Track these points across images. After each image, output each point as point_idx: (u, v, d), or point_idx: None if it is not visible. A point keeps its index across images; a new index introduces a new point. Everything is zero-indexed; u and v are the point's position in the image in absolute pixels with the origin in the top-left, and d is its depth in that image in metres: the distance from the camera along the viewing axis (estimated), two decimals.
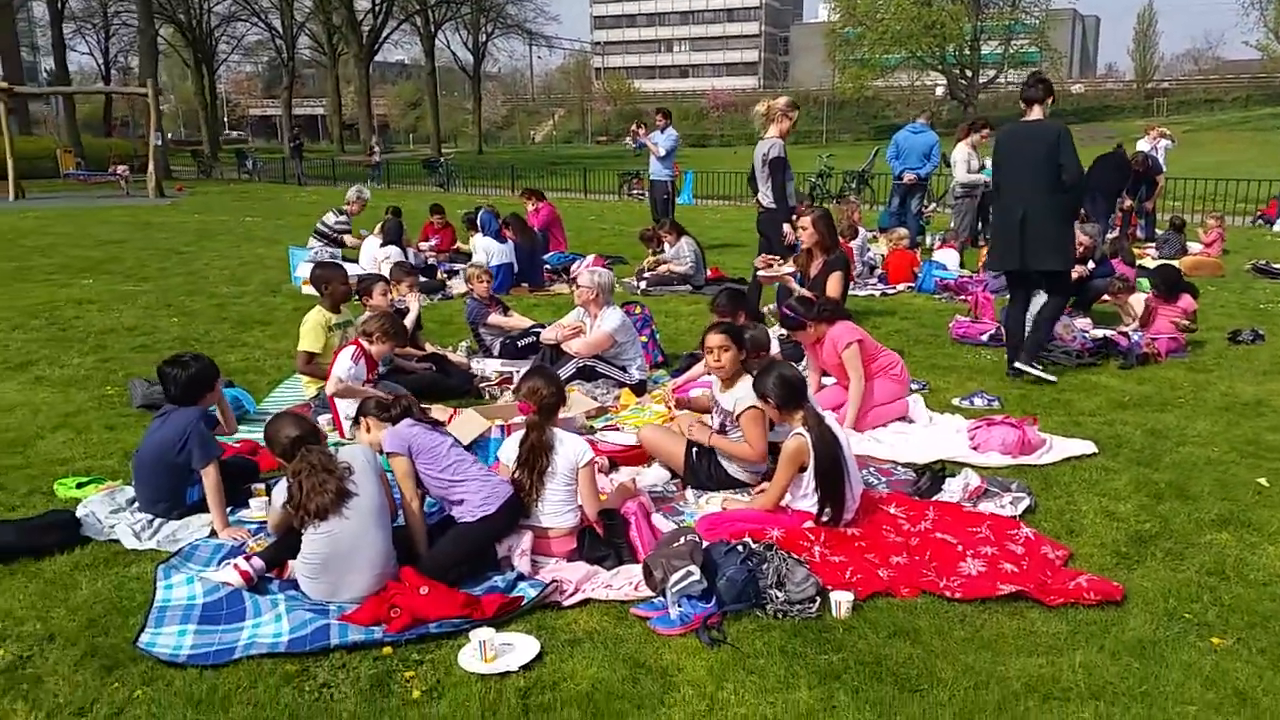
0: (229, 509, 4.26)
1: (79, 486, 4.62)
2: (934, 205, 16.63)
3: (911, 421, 5.70)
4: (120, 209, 21.93)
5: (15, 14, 55.20)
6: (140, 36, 35.92)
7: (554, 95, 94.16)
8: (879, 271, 11.08)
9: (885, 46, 48.58)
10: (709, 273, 10.77)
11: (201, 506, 4.26)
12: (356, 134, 64.03)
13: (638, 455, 4.96)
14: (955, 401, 6.20)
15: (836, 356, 5.63)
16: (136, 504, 4.35)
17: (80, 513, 4.20)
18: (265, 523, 4.20)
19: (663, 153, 13.31)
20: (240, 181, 34.28)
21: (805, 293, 6.50)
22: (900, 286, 10.56)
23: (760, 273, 7.43)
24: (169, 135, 37.68)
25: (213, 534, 4.13)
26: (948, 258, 11.45)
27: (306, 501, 3.49)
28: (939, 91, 57.85)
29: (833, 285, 6.91)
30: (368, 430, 4.11)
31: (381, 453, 3.95)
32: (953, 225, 13.28)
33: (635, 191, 24.58)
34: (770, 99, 8.40)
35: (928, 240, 13.32)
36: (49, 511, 4.29)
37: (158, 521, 4.22)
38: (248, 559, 3.65)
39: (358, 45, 43.96)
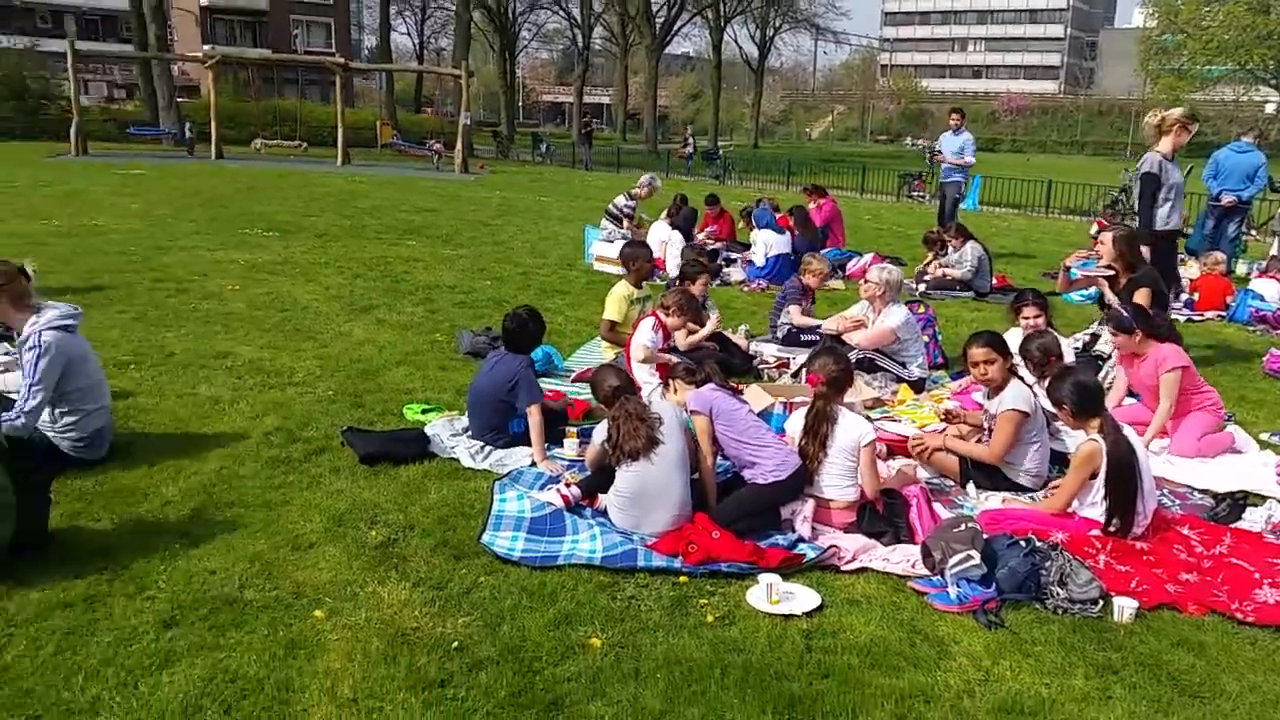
0: (546, 446, 4.86)
1: (423, 412, 5.42)
2: (1253, 232, 15.20)
3: (1240, 453, 5.46)
4: (431, 181, 24.22)
5: None
6: (456, 20, 39.17)
7: (834, 91, 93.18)
8: (1185, 296, 10.39)
9: (1209, 57, 44.27)
10: (995, 280, 10.54)
11: (523, 439, 4.89)
12: (638, 123, 66.54)
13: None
14: (1264, 436, 5.84)
15: (1155, 377, 5.47)
16: (469, 431, 5.05)
17: (429, 432, 4.95)
18: (573, 460, 4.77)
19: (950, 155, 13.18)
20: (533, 163, 36.67)
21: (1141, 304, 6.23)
22: (1209, 314, 9.85)
23: (1067, 261, 7.05)
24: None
25: (532, 464, 4.73)
26: (1267, 288, 10.53)
27: (622, 443, 3.97)
28: (1269, 109, 52.05)
29: (1140, 301, 6.64)
30: (675, 391, 4.55)
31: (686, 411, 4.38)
32: (1275, 254, 12.15)
33: (915, 193, 24.10)
34: (1163, 108, 7.68)
35: (1240, 268, 12.26)
36: (402, 429, 5.10)
37: (488, 448, 4.88)
38: (568, 486, 4.20)
39: (650, 36, 45.73)
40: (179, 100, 34.83)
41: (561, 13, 59.48)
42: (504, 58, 52.32)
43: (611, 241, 11.18)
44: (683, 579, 3.63)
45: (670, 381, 4.64)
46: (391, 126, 39.37)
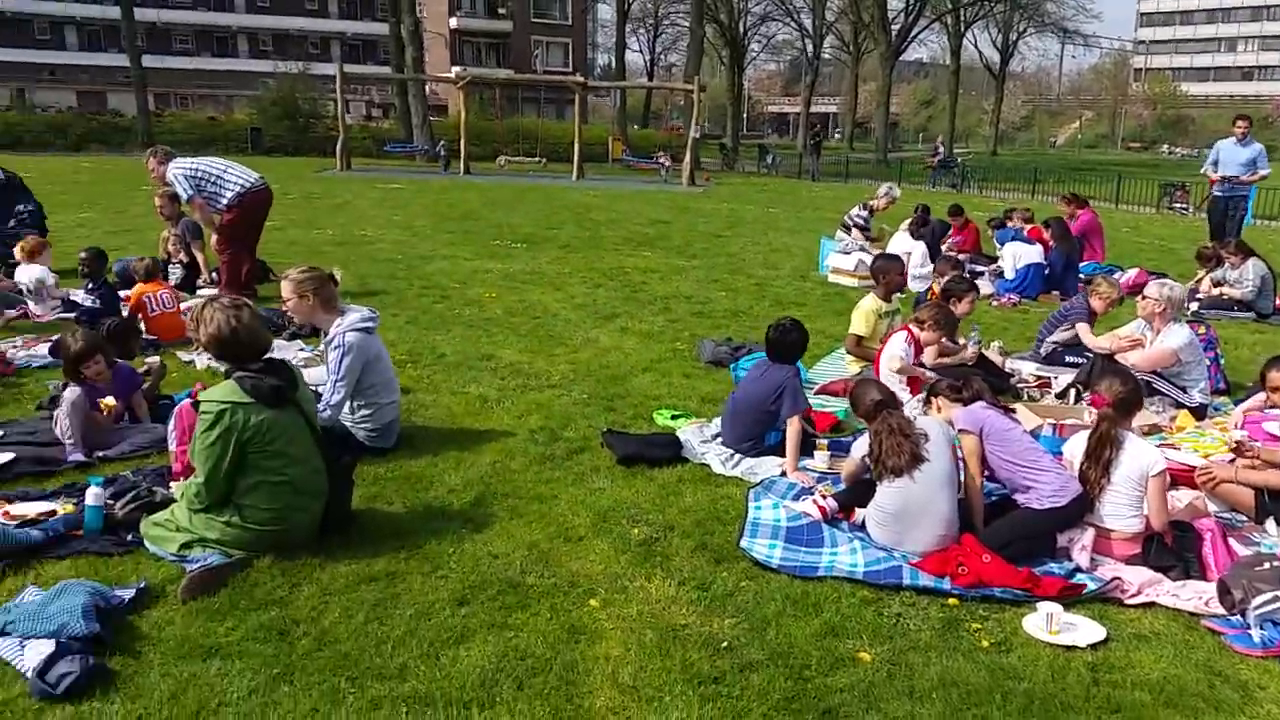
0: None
1: (673, 418, 5.58)
2: None
3: None
4: (661, 193, 24.80)
5: (587, 15, 64.39)
6: (690, 36, 39.92)
7: (1082, 96, 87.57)
8: None
9: None
10: (1277, 301, 9.57)
11: (773, 450, 4.93)
12: (867, 132, 65.18)
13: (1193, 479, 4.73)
14: None
15: None
16: (720, 438, 5.14)
17: (681, 437, 5.09)
18: (824, 473, 4.76)
19: (1236, 168, 12.11)
20: (759, 175, 36.79)
21: None
22: None
23: None
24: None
25: (782, 474, 4.76)
26: None
27: (884, 458, 3.92)
28: None
29: None
30: (938, 410, 4.45)
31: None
32: None
33: (1178, 205, 22.24)
34: None
35: None
36: (655, 433, 5.26)
37: (737, 456, 4.96)
38: (824, 498, 4.20)
39: (885, 44, 44.76)
40: (431, 119, 37.54)
41: (793, 23, 59.32)
42: (733, 70, 52.74)
43: (848, 253, 11.04)
44: (952, 600, 3.54)
45: (933, 398, 4.54)
46: (622, 141, 40.63)
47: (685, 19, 59.59)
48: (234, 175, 8.74)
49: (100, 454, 4.85)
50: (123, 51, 60.76)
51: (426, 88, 40.66)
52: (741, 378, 6.28)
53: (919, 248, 10.69)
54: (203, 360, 6.74)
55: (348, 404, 4.87)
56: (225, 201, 8.65)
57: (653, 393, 6.25)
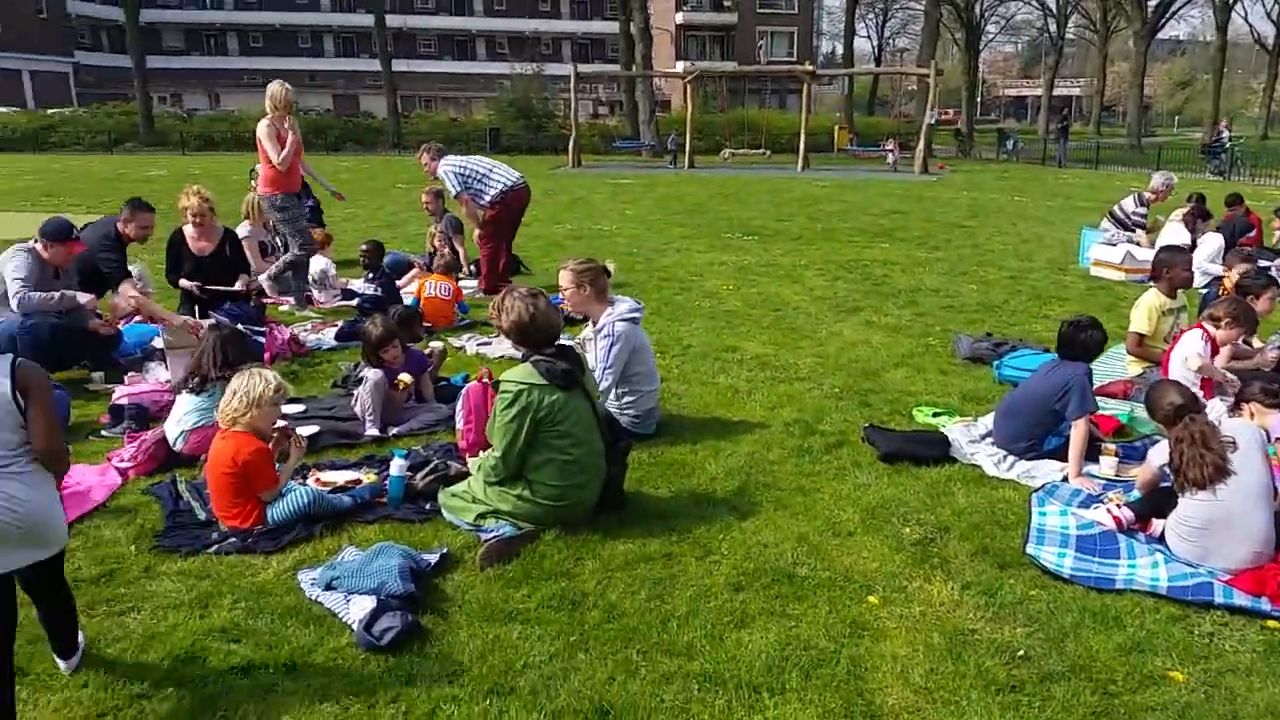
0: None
1: (934, 415, 5.41)
2: None
3: None
4: (892, 183, 24.11)
5: (814, 2, 63.36)
6: (925, 19, 38.54)
7: None
8: None
9: None
10: None
11: (1051, 454, 4.69)
12: (1114, 115, 60.55)
13: None
14: None
15: None
16: (991, 438, 4.94)
17: (949, 436, 4.93)
18: (1112, 480, 4.47)
19: None
20: (998, 161, 35.01)
21: None
22: None
23: None
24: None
25: (1064, 479, 4.51)
26: None
27: (1186, 469, 3.63)
28: None
29: None
30: (1250, 415, 4.08)
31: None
32: None
33: None
34: None
35: None
36: (919, 431, 5.13)
37: (1011, 458, 4.75)
38: (1119, 506, 3.95)
39: (1140, 21, 41.32)
40: (657, 115, 38.29)
41: (1034, 2, 56.02)
42: (968, 53, 50.44)
43: (1114, 245, 10.30)
44: (1271, 623, 3.24)
45: (1244, 403, 4.17)
46: (848, 130, 39.83)
47: (916, 2, 57.65)
48: (498, 174, 9.26)
49: (394, 430, 5.28)
50: (374, 57, 66.10)
51: (653, 84, 41.52)
52: (1007, 375, 6.04)
53: (1215, 240, 9.76)
54: (473, 346, 7.21)
55: (613, 390, 5.05)
56: (489, 198, 9.17)
57: (908, 388, 6.09)
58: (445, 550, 3.78)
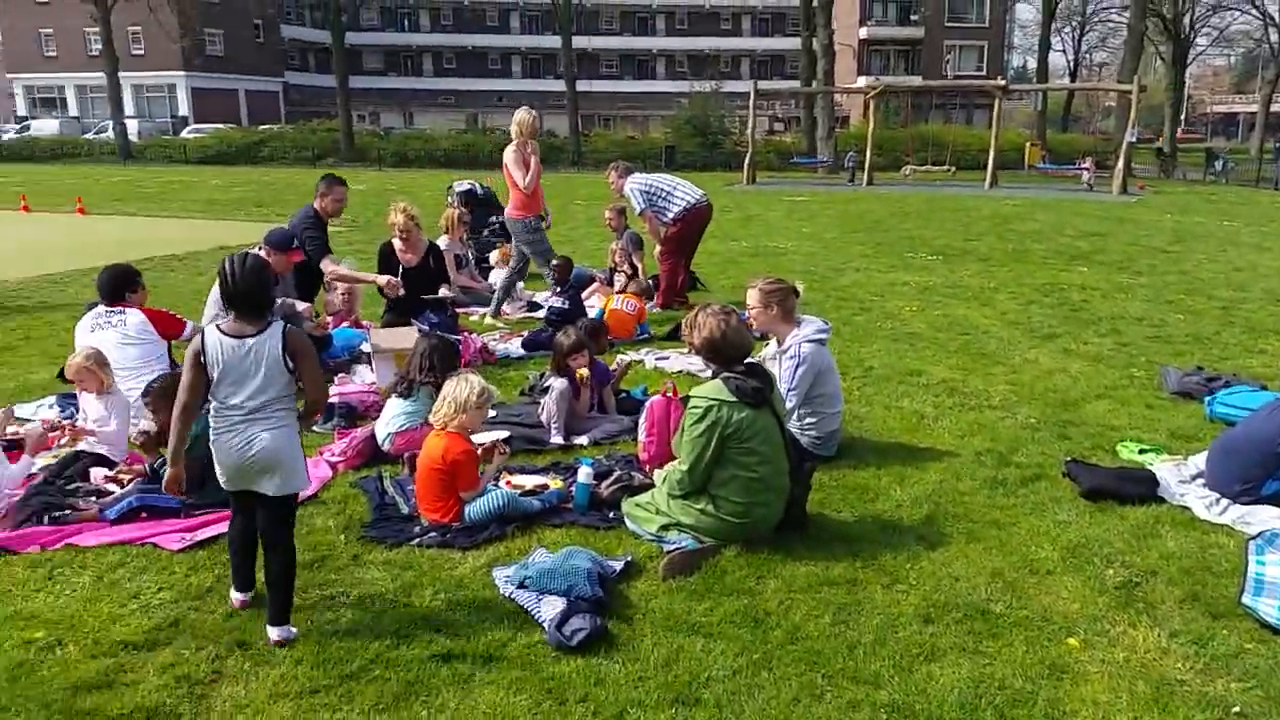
0: None
1: (1140, 452, 5.10)
2: None
3: None
4: (1089, 203, 22.85)
5: (1006, 15, 61.02)
6: (1129, 33, 36.43)
7: None
8: None
9: None
10: None
11: (1271, 499, 4.33)
12: None
13: None
14: None
15: None
16: (1203, 479, 4.62)
17: (1157, 475, 4.64)
18: None
19: None
20: (1204, 183, 32.65)
21: None
22: None
23: None
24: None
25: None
26: None
27: None
28: None
29: None
30: None
31: None
32: None
33: None
34: None
35: None
36: (1125, 468, 4.86)
37: (1225, 502, 4.42)
38: None
39: None
40: (836, 131, 37.81)
41: (1255, 11, 51.96)
42: (1174, 68, 47.26)
43: None
44: None
45: None
46: (1040, 147, 38.06)
47: (1118, 14, 54.60)
48: (682, 192, 9.41)
49: (577, 439, 5.45)
50: (558, 78, 68.46)
51: (833, 99, 41.07)
52: (1220, 413, 5.63)
53: None
54: (651, 360, 7.34)
55: (795, 412, 5.02)
56: (672, 215, 9.33)
57: (1111, 422, 5.76)
58: (630, 558, 3.87)
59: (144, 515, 4.31)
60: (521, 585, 3.60)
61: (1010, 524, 4.27)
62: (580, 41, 60.18)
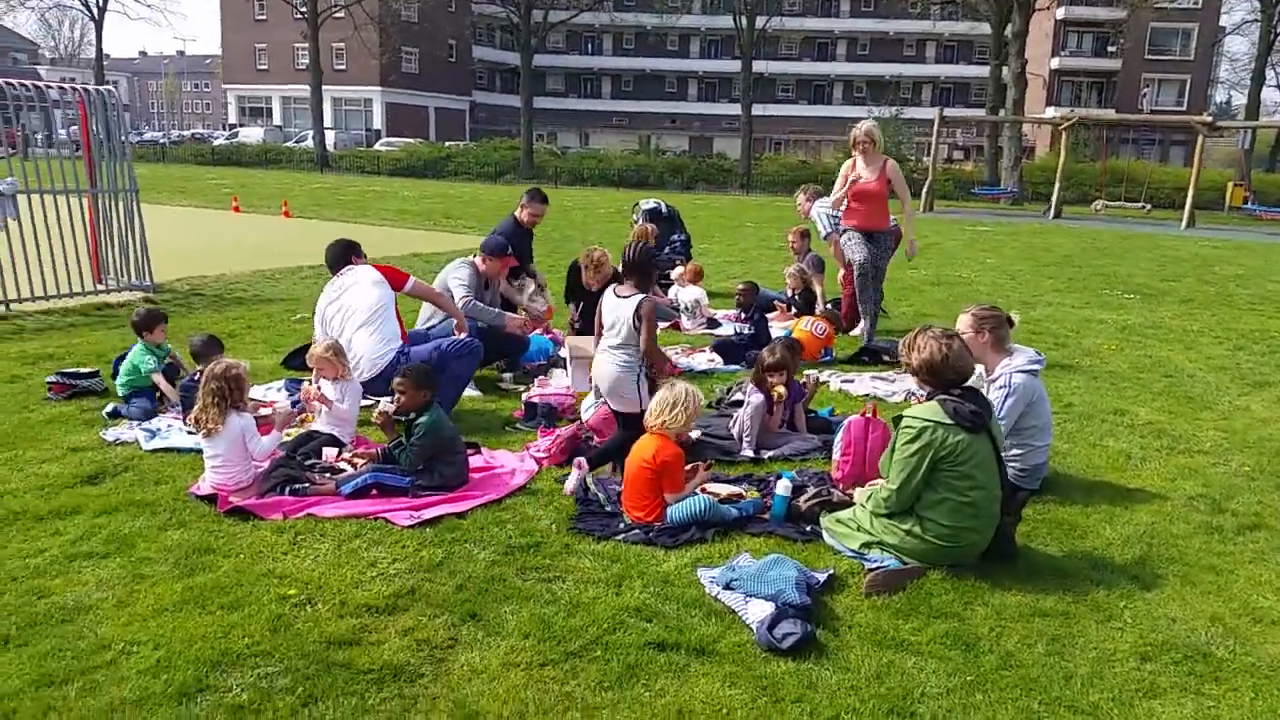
0: None
1: None
2: None
3: None
4: None
5: (1215, 48, 57.40)
6: None
7: None
8: None
9: None
10: None
11: None
12: None
13: None
14: None
15: None
16: None
17: None
18: None
19: None
20: None
21: None
22: None
23: None
24: None
25: None
26: None
27: None
28: None
29: None
30: None
31: None
32: None
33: None
34: None
35: None
36: None
37: None
38: None
39: None
40: (1023, 162, 36.53)
41: None
42: None
43: None
44: None
45: None
46: (1245, 188, 35.55)
47: None
48: None
49: (767, 453, 5.54)
50: (732, 101, 68.96)
51: (1020, 129, 39.71)
52: None
53: None
54: (836, 382, 7.35)
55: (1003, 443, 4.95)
56: None
57: None
58: (832, 572, 3.93)
59: (375, 492, 4.69)
60: (728, 587, 3.73)
61: (1228, 570, 4.10)
62: (758, 66, 60.46)
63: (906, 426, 3.95)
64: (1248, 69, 46.91)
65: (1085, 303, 11.79)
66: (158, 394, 6.10)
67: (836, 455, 5.06)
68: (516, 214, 8.06)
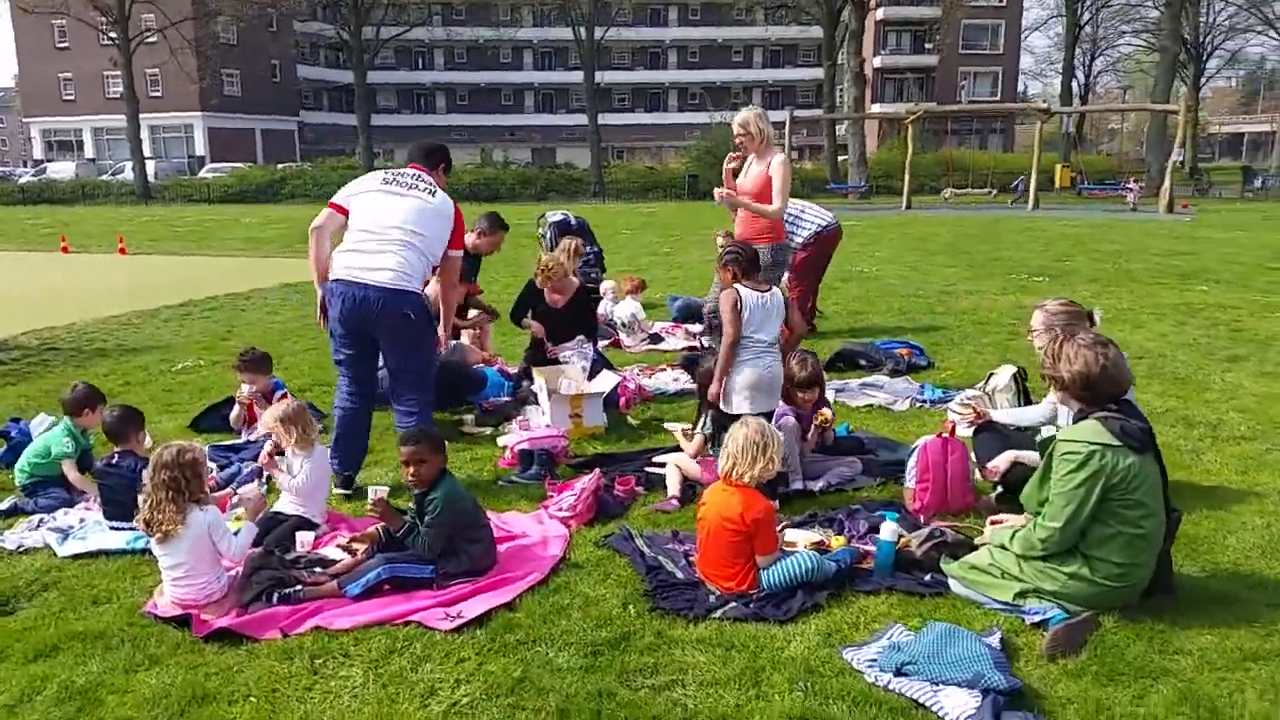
0: None
1: None
2: None
3: None
4: (1149, 223, 22.56)
5: (1021, 43, 60.90)
6: (1162, 55, 36.19)
7: None
8: None
9: None
10: None
11: None
12: None
13: None
14: None
15: None
16: None
17: None
18: None
19: None
20: (1244, 200, 32.27)
21: None
22: None
23: None
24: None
25: None
26: None
27: None
28: None
29: None
30: None
31: None
32: None
33: None
34: None
35: None
36: None
37: None
38: None
39: None
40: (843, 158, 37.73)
41: (1273, 31, 51.84)
42: (1194, 89, 47.23)
43: None
44: None
45: None
46: (1071, 169, 37.77)
47: (1131, 41, 54.64)
48: (811, 215, 8.89)
49: (810, 484, 4.87)
50: (570, 111, 68.43)
51: (863, 126, 41.01)
52: None
53: None
54: (830, 393, 6.76)
55: None
56: (801, 240, 8.79)
57: None
58: (1000, 634, 3.27)
59: (386, 588, 3.73)
60: (900, 672, 3.01)
61: None
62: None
63: (1069, 453, 3.32)
64: (1045, 61, 50.02)
65: (1002, 289, 11.73)
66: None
67: (911, 483, 4.44)
68: (474, 237, 6.94)
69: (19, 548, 4.27)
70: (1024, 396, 5.58)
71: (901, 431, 5.80)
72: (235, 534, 3.73)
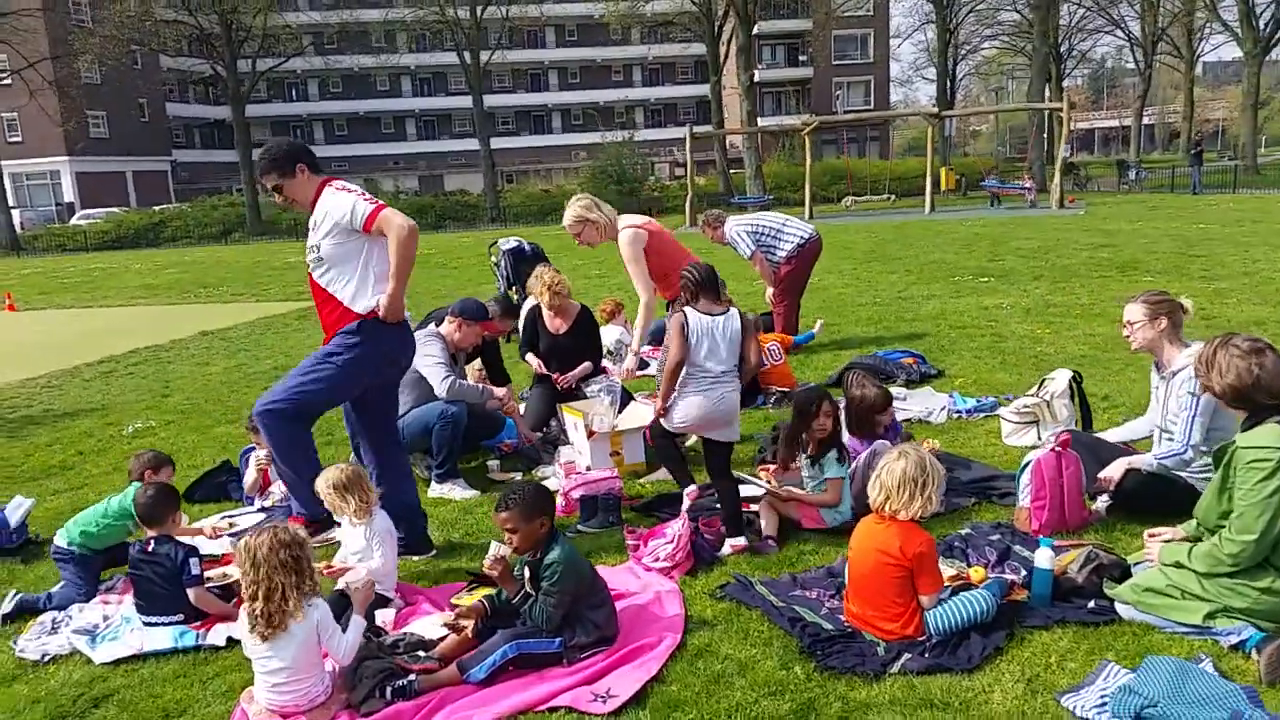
0: None
1: None
2: None
3: None
4: (1050, 219, 23.29)
5: (890, 54, 63.05)
6: (1035, 56, 37.87)
7: None
8: None
9: None
10: None
11: None
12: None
13: None
14: None
15: None
16: None
17: None
18: None
19: None
20: (1121, 192, 33.95)
21: None
22: None
23: None
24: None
25: None
26: None
27: None
28: None
29: None
30: None
31: None
32: None
33: None
34: None
35: None
36: None
37: None
38: None
39: (1251, 40, 40.10)
40: (731, 170, 38.35)
41: (1121, 33, 55.12)
42: (1059, 87, 49.67)
43: None
44: None
45: None
46: (954, 171, 39.11)
47: (992, 45, 57.32)
48: (792, 228, 8.77)
49: None
50: (454, 136, 67.43)
51: (727, 141, 41.83)
52: None
53: None
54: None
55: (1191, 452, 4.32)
56: (784, 254, 8.69)
57: None
58: (1211, 661, 3.06)
59: (510, 669, 3.29)
60: (1140, 718, 2.75)
61: None
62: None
63: (1257, 460, 3.14)
64: (913, 68, 51.92)
65: (956, 292, 11.81)
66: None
67: (1025, 501, 4.24)
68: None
69: (44, 657, 3.64)
70: (1082, 402, 5.47)
71: (955, 444, 5.62)
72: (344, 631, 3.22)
